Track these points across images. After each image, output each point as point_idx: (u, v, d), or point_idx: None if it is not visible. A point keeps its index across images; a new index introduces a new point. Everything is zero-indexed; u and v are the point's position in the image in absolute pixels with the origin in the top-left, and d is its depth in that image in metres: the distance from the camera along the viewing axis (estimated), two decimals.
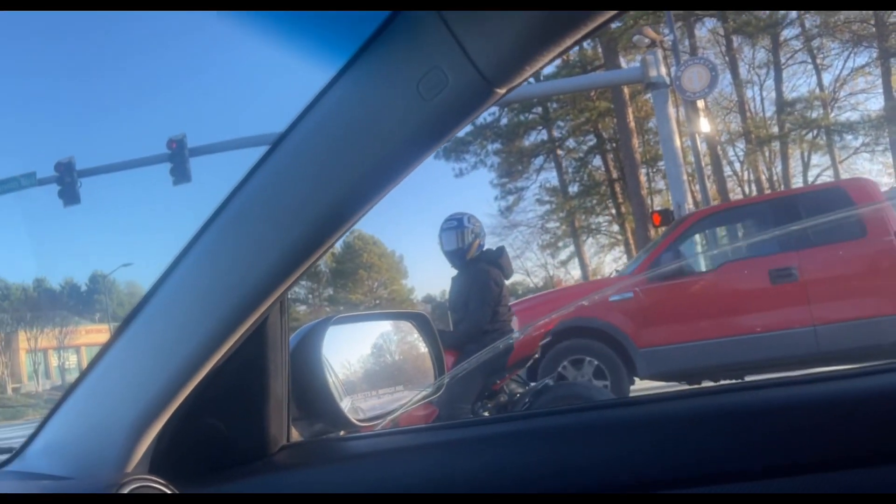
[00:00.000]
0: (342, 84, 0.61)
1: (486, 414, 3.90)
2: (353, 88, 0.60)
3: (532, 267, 28.48)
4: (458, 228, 4.01)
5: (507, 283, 4.08)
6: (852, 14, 19.28)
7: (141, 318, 0.69)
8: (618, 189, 23.14)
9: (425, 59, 0.57)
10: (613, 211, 24.56)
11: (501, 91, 0.58)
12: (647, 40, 11.82)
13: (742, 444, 0.66)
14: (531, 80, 0.55)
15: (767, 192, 23.32)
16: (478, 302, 3.85)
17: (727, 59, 21.45)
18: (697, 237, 6.20)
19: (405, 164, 0.62)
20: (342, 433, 0.87)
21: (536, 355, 3.90)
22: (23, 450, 0.74)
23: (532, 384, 3.90)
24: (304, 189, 0.62)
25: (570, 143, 24.87)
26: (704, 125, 13.05)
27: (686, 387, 5.25)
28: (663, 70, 10.89)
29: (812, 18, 20.58)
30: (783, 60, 22.04)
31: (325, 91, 0.61)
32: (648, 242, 9.26)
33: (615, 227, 25.31)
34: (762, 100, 22.93)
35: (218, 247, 0.66)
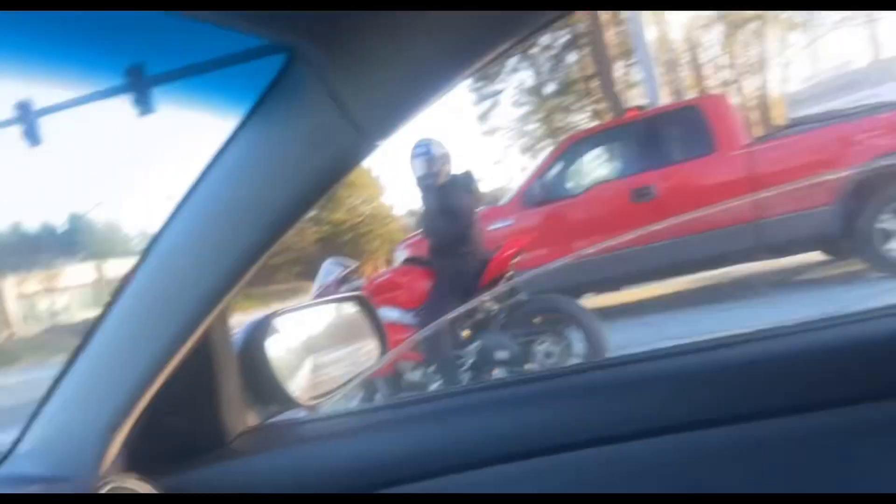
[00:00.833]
0: (243, 136, 0.69)
1: (466, 333, 4.01)
2: (250, 144, 0.69)
3: (515, 172, 28.36)
4: (426, 155, 3.98)
5: (478, 203, 4.11)
6: None
7: (105, 327, 0.77)
8: (594, 86, 22.71)
9: (310, 119, 0.66)
10: (590, 109, 24.20)
11: (379, 142, 0.68)
12: None
13: (722, 394, 0.73)
14: None
15: (744, 76, 23.05)
16: (450, 227, 3.89)
17: None
18: (570, 162, 6.44)
19: (305, 207, 0.71)
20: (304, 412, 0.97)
21: (510, 273, 3.96)
22: (12, 451, 0.81)
23: (506, 301, 3.98)
24: (220, 232, 0.72)
25: (544, 40, 24.14)
26: (677, 13, 12.66)
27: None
28: None
29: None
30: None
31: (226, 146, 0.70)
32: None
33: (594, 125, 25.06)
34: None
35: (163, 267, 0.76)
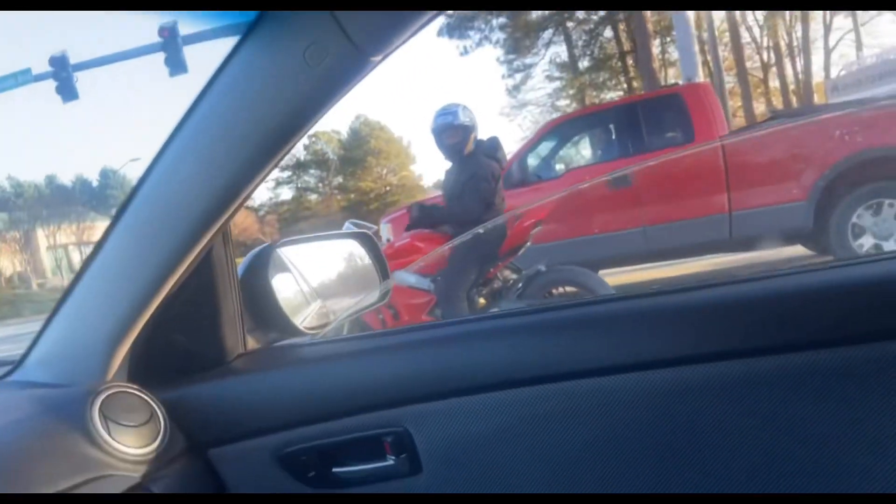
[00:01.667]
0: (243, 52, 0.70)
1: (482, 300, 4.02)
2: (249, 60, 0.70)
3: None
4: (453, 122, 3.91)
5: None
6: None
7: (109, 244, 0.79)
8: (630, 62, 22.27)
9: (308, 33, 0.66)
10: (625, 86, 23.76)
11: (376, 59, 0.68)
12: None
13: (724, 329, 0.73)
14: None
15: (786, 58, 22.36)
16: (473, 194, 3.85)
17: None
18: (549, 145, 6.34)
19: (300, 124, 0.72)
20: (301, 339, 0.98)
21: (528, 243, 3.93)
22: (23, 361, 0.85)
23: (524, 270, 3.97)
24: (223, 137, 0.73)
25: (580, 14, 23.67)
26: None
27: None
28: None
29: None
30: None
31: (225, 63, 0.70)
32: None
33: None
34: None
35: (160, 187, 0.77)
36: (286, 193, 45.05)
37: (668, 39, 20.60)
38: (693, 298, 0.78)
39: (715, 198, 5.32)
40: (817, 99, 20.59)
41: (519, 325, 0.82)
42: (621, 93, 24.20)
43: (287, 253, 1.00)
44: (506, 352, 0.78)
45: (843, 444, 0.69)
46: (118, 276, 0.79)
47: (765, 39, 23.07)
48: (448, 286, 3.90)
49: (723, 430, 0.72)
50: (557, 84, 25.18)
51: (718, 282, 0.80)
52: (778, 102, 23.08)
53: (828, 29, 22.34)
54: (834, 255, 5.21)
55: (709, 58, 14.71)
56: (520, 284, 3.90)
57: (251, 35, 0.68)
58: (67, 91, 12.59)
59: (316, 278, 1.06)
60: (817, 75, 22.56)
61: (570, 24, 23.29)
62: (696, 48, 11.36)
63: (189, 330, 0.88)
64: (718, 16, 16.40)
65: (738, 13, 20.32)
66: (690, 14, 10.97)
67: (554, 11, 22.69)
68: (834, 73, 19.44)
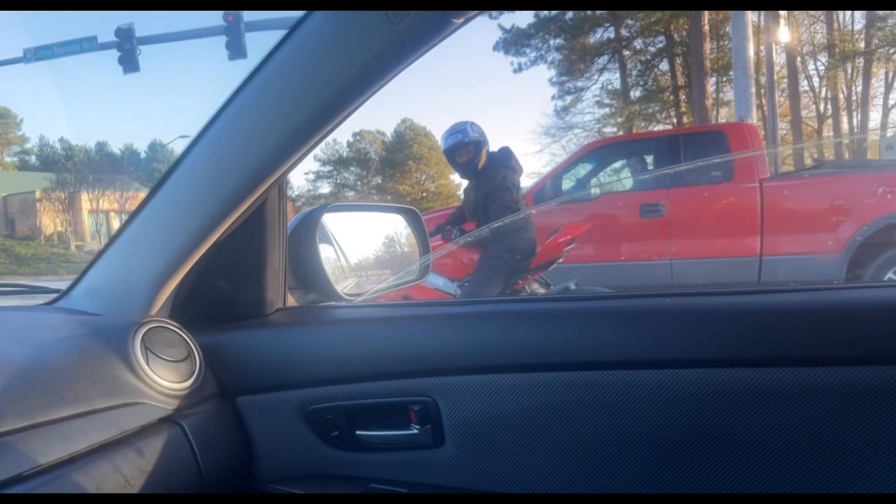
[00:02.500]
0: (304, 28, 0.72)
1: None
2: (330, 15, 0.71)
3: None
4: (463, 140, 3.92)
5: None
6: None
7: (167, 186, 0.81)
8: (682, 97, 22.06)
9: (362, 15, 0.68)
10: (675, 120, 23.53)
11: (458, 20, 0.69)
12: None
13: (752, 336, 0.73)
14: None
15: (843, 111, 21.90)
16: (499, 207, 3.86)
17: None
18: (587, 167, 6.33)
19: (378, 77, 0.73)
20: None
21: (560, 259, 3.92)
22: (69, 291, 0.88)
23: (553, 286, 3.95)
24: (294, 91, 0.74)
25: (638, 43, 23.55)
26: (784, 34, 12.14)
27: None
28: None
29: None
30: None
31: (306, 16, 0.72)
32: None
33: None
34: (852, 11, 21.04)
35: (223, 136, 0.79)
36: (325, 188, 45.52)
37: (725, 79, 20.36)
38: (725, 303, 0.78)
39: (747, 239, 5.25)
40: (870, 156, 20.15)
41: (549, 311, 0.82)
42: (670, 126, 23.99)
43: (334, 220, 1.02)
44: (536, 335, 0.79)
45: (860, 458, 0.69)
46: (170, 219, 0.81)
47: (823, 90, 22.65)
48: (474, 293, 3.90)
49: (744, 433, 0.72)
50: (607, 110, 25.04)
51: (752, 289, 0.80)
52: (830, 154, 22.63)
53: (889, 86, 21.85)
54: None
55: (764, 101, 14.48)
56: None
57: (310, 18, 0.71)
58: (129, 62, 12.93)
59: (358, 251, 1.09)
60: (873, 133, 22.06)
61: (626, 53, 23.19)
62: (753, 90, 11.20)
63: (234, 279, 0.90)
64: (779, 61, 16.17)
65: (798, 61, 20.01)
66: (751, 55, 10.84)
67: (612, 38, 22.64)
68: (890, 133, 19.00)
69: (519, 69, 23.72)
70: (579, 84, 24.38)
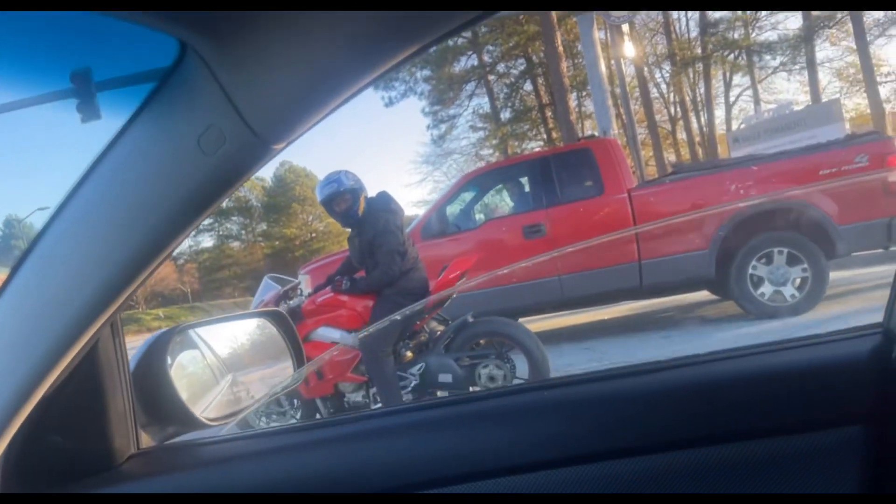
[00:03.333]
0: (132, 132, 0.62)
1: (409, 354, 3.97)
2: (140, 141, 0.62)
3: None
4: (339, 189, 3.89)
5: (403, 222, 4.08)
6: None
7: None
8: (549, 114, 23.16)
9: (203, 117, 0.59)
10: (545, 136, 24.66)
11: (278, 147, 0.61)
12: None
13: (678, 415, 0.72)
14: None
15: (691, 112, 23.85)
16: (386, 252, 3.83)
17: None
18: (467, 196, 6.63)
19: (198, 213, 0.64)
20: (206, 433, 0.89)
21: (454, 295, 3.94)
22: None
23: (451, 322, 3.96)
24: (106, 234, 0.65)
25: (501, 67, 24.58)
26: (629, 49, 13.10)
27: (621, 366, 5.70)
28: None
29: None
30: None
31: (115, 142, 0.63)
32: None
33: None
34: (687, 21, 23.12)
35: (39, 276, 0.68)
36: (207, 241, 43.69)
37: (584, 93, 21.60)
38: (681, 376, 0.76)
39: (626, 247, 5.61)
40: (720, 149, 22.01)
41: (428, 420, 0.78)
42: (542, 143, 25.09)
43: (194, 336, 0.94)
44: (457, 442, 0.75)
45: None
46: None
47: (671, 95, 24.59)
48: (374, 341, 3.84)
49: None
50: (481, 134, 25.86)
51: (700, 359, 0.79)
52: (686, 152, 24.53)
53: (728, 85, 24.08)
54: (737, 301, 5.52)
55: (622, 111, 15.48)
56: (448, 336, 3.89)
57: (144, 110, 0.61)
58: None
59: (225, 361, 1.01)
60: (720, 128, 24.20)
61: (491, 77, 24.11)
62: (610, 101, 11.97)
63: (73, 430, 0.78)
64: (629, 72, 17.39)
65: (646, 71, 21.61)
66: (603, 70, 11.59)
67: (475, 65, 23.47)
68: (734, 126, 20.90)
69: (390, 103, 24.09)
70: (451, 112, 25.10)
